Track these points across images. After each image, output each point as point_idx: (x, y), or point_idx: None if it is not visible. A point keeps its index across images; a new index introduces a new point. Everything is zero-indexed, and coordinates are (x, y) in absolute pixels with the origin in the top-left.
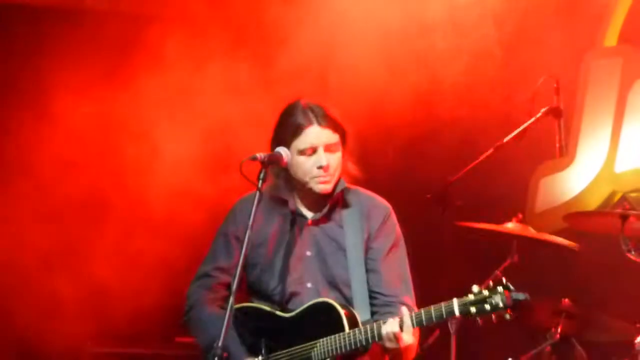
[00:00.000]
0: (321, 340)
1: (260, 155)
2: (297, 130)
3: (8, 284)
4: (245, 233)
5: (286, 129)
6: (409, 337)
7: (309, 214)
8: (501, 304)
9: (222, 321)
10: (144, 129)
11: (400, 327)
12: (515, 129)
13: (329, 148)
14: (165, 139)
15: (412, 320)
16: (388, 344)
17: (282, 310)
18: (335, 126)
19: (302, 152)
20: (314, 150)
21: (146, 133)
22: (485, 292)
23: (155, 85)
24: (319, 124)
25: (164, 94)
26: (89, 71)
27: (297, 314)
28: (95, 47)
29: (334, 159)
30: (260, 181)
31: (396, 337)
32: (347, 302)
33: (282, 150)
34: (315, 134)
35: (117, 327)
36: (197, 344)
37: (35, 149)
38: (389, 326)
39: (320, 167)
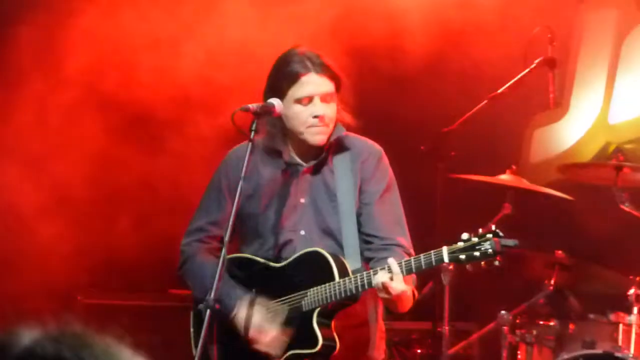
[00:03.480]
0: (311, 289)
1: (252, 106)
2: (294, 79)
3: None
4: (238, 185)
5: (282, 78)
6: (399, 285)
7: (303, 163)
8: (490, 251)
9: (216, 271)
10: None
11: (390, 277)
12: (510, 79)
13: (325, 98)
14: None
15: (401, 269)
16: (380, 294)
17: (274, 260)
18: (331, 75)
19: (298, 101)
20: (310, 100)
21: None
22: (475, 239)
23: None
24: (316, 72)
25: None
26: None
27: (287, 263)
28: None
29: (330, 109)
30: (252, 132)
31: (386, 287)
32: (341, 250)
33: (274, 101)
34: (312, 83)
35: (110, 279)
36: (191, 296)
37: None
38: (379, 277)
39: (316, 117)
